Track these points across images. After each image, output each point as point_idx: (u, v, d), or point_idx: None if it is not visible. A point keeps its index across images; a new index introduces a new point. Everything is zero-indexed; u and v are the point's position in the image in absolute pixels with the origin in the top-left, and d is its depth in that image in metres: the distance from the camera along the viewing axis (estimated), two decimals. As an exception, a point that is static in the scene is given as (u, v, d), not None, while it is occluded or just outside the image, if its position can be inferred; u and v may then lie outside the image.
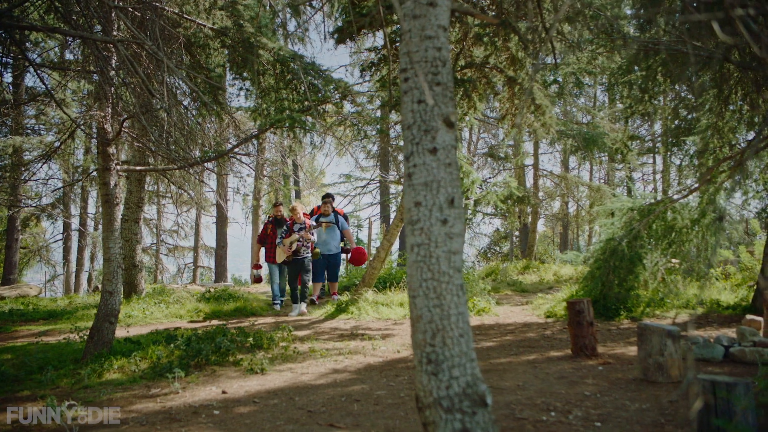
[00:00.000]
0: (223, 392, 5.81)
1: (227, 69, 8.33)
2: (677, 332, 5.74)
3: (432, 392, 2.58)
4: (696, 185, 10.45)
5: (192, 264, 31.62)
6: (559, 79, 14.50)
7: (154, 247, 31.42)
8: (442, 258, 2.61)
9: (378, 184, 26.68)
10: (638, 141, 22.98)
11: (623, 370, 6.25)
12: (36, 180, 19.39)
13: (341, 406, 5.30)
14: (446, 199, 2.63)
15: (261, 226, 19.61)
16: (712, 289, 11.41)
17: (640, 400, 5.14)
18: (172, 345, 7.07)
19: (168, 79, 6.80)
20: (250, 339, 7.62)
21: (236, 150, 9.41)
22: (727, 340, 6.87)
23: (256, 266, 12.91)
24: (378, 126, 10.71)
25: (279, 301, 12.19)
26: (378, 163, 27.16)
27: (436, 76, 2.67)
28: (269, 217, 12.73)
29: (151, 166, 8.50)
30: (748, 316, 8.16)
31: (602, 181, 29.24)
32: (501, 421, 4.66)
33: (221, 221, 24.77)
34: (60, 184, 20.25)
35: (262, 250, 12.39)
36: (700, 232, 11.33)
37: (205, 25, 7.24)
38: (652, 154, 27.96)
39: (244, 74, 7.68)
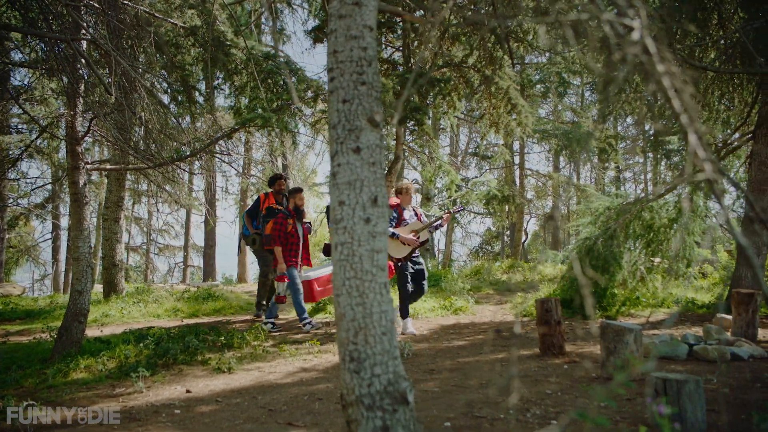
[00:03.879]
0: (188, 391, 5.82)
1: (201, 68, 8.34)
2: (639, 331, 5.76)
3: (354, 390, 2.59)
4: (672, 184, 10.49)
5: (182, 263, 31.62)
6: (536, 77, 14.52)
7: (144, 247, 31.42)
8: (365, 256, 2.63)
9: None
10: (625, 141, 23.03)
11: (587, 368, 6.27)
12: (25, 179, 19.38)
13: (303, 404, 5.31)
14: (369, 198, 2.65)
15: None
16: (689, 288, 11.46)
17: (597, 399, 5.16)
18: (141, 344, 7.08)
19: (142, 79, 6.81)
20: (222, 338, 7.62)
21: (217, 149, 9.41)
22: (694, 338, 6.90)
23: (281, 278, 9.35)
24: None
25: (311, 320, 9.34)
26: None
27: (361, 75, 2.69)
28: (282, 208, 10.18)
29: (121, 165, 8.49)
30: (719, 315, 8.22)
31: (592, 180, 29.32)
32: (459, 419, 4.68)
33: (210, 220, 24.75)
34: (45, 184, 20.22)
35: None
36: (678, 231, 11.38)
37: (176, 24, 7.24)
38: (642, 154, 28.04)
39: (217, 73, 7.67)
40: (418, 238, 8.44)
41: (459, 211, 9.34)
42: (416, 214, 8.84)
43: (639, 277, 11.10)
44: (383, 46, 10.31)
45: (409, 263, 8.45)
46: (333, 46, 2.72)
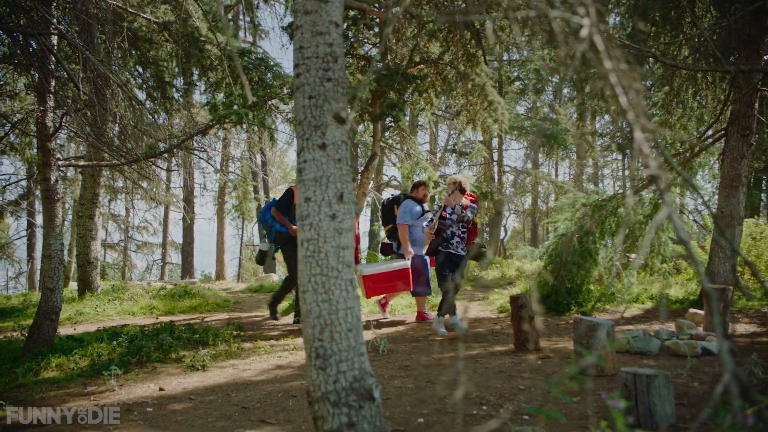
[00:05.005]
0: (161, 389, 5.78)
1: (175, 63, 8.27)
2: (611, 326, 5.81)
3: (320, 387, 2.59)
4: (645, 182, 10.58)
5: (161, 261, 31.41)
6: (514, 73, 14.58)
7: (122, 244, 31.16)
8: (331, 253, 2.62)
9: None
10: (603, 138, 23.21)
11: (561, 364, 6.31)
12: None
13: (277, 401, 5.30)
14: (335, 194, 2.65)
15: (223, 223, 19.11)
16: (663, 283, 11.59)
17: (572, 393, 5.20)
18: (114, 342, 7.01)
19: (113, 74, 6.74)
20: (197, 336, 7.58)
21: (195, 145, 9.34)
22: (666, 333, 6.97)
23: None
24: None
25: None
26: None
27: (327, 72, 2.68)
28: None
29: (95, 162, 8.39)
30: (692, 310, 8.31)
31: (571, 177, 29.51)
32: (431, 415, 4.69)
33: (187, 218, 24.60)
34: (19, 180, 19.96)
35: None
36: (653, 228, 11.49)
37: (149, 19, 7.17)
38: (619, 151, 28.26)
39: (193, 69, 7.62)
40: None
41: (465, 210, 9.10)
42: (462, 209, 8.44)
43: (615, 273, 11.20)
44: (356, 41, 10.30)
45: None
46: (299, 42, 2.71)
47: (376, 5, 9.14)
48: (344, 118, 2.67)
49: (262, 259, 9.70)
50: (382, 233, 10.66)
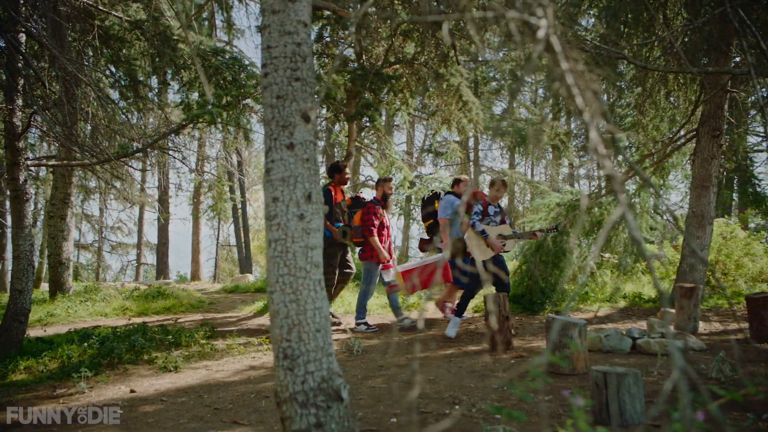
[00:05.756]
0: (132, 391, 5.72)
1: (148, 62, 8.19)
2: (583, 325, 5.86)
3: (288, 387, 2.58)
4: (621, 180, 10.69)
5: (135, 261, 31.08)
6: (490, 74, 14.65)
7: (96, 245, 30.78)
8: (299, 253, 2.61)
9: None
10: (578, 138, 23.39)
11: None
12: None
13: (249, 402, 5.27)
14: (303, 194, 2.64)
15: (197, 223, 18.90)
16: (636, 282, 11.71)
17: (544, 392, 5.24)
18: (85, 344, 6.93)
19: (81, 73, 6.65)
20: (169, 337, 7.51)
21: (171, 145, 9.25)
22: (638, 332, 7.05)
23: (387, 266, 8.72)
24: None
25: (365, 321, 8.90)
26: (324, 159, 27.09)
27: (296, 71, 2.67)
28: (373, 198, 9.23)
29: (64, 161, 8.28)
30: (663, 309, 8.41)
31: (547, 177, 29.70)
32: (405, 415, 4.70)
33: (161, 218, 24.39)
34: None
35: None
36: (626, 228, 11.62)
37: (121, 17, 7.09)
38: (594, 151, 28.42)
39: (166, 68, 7.55)
40: (504, 244, 7.90)
41: (551, 230, 8.97)
42: (502, 212, 8.22)
43: (589, 272, 11.31)
44: (332, 41, 10.29)
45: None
46: (267, 42, 2.69)
47: (351, 6, 9.14)
48: (312, 118, 2.66)
49: None
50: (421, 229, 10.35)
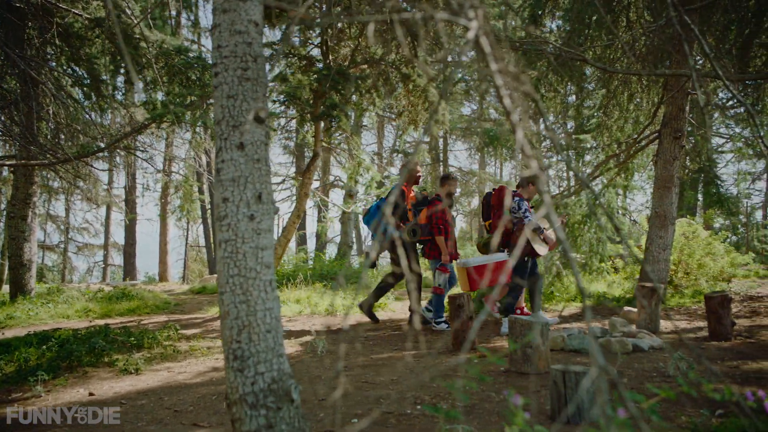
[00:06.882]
0: (91, 394, 5.64)
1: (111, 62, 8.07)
2: (545, 325, 5.91)
3: (238, 389, 2.56)
4: (581, 182, 10.82)
5: (102, 262, 30.66)
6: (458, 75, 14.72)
7: (62, 246, 30.29)
8: (250, 254, 2.60)
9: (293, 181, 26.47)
10: (546, 139, 23.59)
11: (496, 362, 6.38)
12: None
13: (210, 404, 5.23)
14: (254, 195, 2.62)
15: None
16: (602, 281, 11.86)
17: (505, 391, 5.27)
18: (44, 347, 6.80)
19: (32, 71, 6.54)
20: (132, 339, 7.42)
21: (139, 145, 9.14)
22: (600, 331, 7.13)
23: (444, 269, 8.55)
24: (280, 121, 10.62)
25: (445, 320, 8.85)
26: (294, 159, 26.99)
27: (246, 71, 2.66)
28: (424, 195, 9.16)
29: (22, 161, 8.12)
30: (626, 308, 8.52)
31: (516, 177, 29.92)
32: (366, 415, 4.70)
33: (126, 219, 24.10)
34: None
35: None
36: (592, 228, 11.77)
37: (80, 15, 6.99)
38: (561, 152, 28.75)
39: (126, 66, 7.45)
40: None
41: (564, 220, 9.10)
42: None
43: (555, 272, 11.41)
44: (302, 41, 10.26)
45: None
46: (217, 41, 2.67)
47: (317, 6, 9.12)
48: (264, 118, 2.65)
49: (373, 264, 9.18)
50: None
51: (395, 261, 9.02)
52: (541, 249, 8.16)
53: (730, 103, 16.19)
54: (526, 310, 9.09)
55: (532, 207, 8.45)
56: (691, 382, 3.10)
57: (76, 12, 6.92)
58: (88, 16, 7.06)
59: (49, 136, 7.50)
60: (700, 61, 10.48)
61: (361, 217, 11.23)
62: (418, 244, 8.89)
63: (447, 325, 8.57)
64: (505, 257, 8.30)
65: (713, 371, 1.87)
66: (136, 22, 7.28)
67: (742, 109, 15.59)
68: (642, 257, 10.11)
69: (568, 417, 4.14)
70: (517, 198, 8.23)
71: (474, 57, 1.34)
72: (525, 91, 1.35)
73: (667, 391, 1.96)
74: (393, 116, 18.41)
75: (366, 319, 9.35)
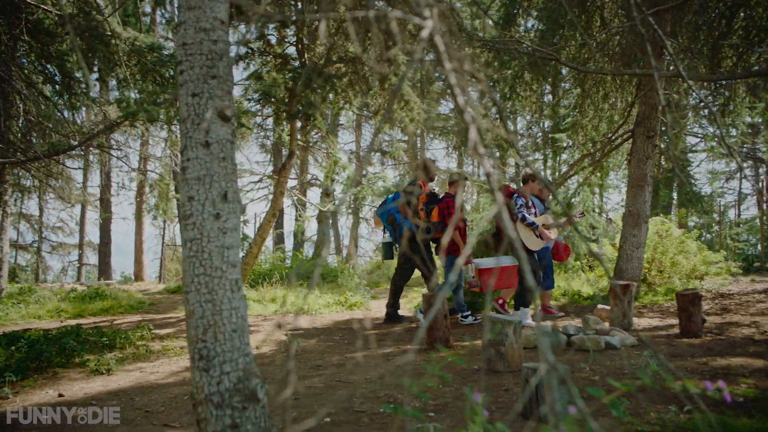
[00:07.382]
0: (60, 395, 5.57)
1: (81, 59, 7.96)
2: (518, 323, 5.94)
3: (204, 389, 2.55)
4: (561, 179, 10.90)
5: (77, 262, 30.28)
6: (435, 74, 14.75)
7: (35, 245, 29.87)
8: (215, 253, 2.58)
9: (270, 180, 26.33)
10: (523, 138, 23.72)
11: (471, 361, 6.41)
12: None
13: (182, 404, 5.20)
14: (219, 193, 2.60)
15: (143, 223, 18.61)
16: (576, 280, 11.95)
17: (478, 389, 5.28)
18: (13, 348, 6.70)
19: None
20: (104, 339, 7.34)
21: (110, 144, 9.03)
22: (574, 329, 7.18)
23: (468, 262, 8.50)
24: (256, 120, 10.56)
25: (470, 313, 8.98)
26: (271, 158, 26.87)
27: (212, 69, 2.64)
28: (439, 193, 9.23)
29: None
30: (599, 306, 8.60)
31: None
32: (339, 414, 4.69)
33: (101, 217, 23.83)
34: None
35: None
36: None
37: (50, 11, 6.90)
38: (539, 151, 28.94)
39: (97, 64, 7.37)
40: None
41: (582, 214, 9.15)
42: (543, 203, 8.63)
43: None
44: (278, 39, 10.20)
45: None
46: (182, 39, 2.64)
47: (293, 3, 9.08)
48: (229, 117, 2.63)
49: (390, 253, 9.18)
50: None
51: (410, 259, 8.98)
52: (534, 244, 8.24)
53: (703, 103, 16.38)
54: (506, 307, 9.15)
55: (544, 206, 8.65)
56: (655, 377, 3.14)
57: (46, 8, 6.82)
58: (58, 12, 6.98)
59: (19, 134, 7.37)
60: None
61: (374, 210, 11.15)
62: (432, 242, 8.95)
63: (474, 318, 8.73)
64: (513, 261, 8.38)
65: (670, 368, 1.89)
66: (105, 17, 7.19)
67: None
68: (616, 256, 10.21)
69: (540, 416, 4.17)
70: (515, 195, 8.35)
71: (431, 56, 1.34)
72: (483, 89, 1.35)
73: (629, 386, 1.98)
74: (370, 114, 18.42)
75: (343, 317, 9.37)
